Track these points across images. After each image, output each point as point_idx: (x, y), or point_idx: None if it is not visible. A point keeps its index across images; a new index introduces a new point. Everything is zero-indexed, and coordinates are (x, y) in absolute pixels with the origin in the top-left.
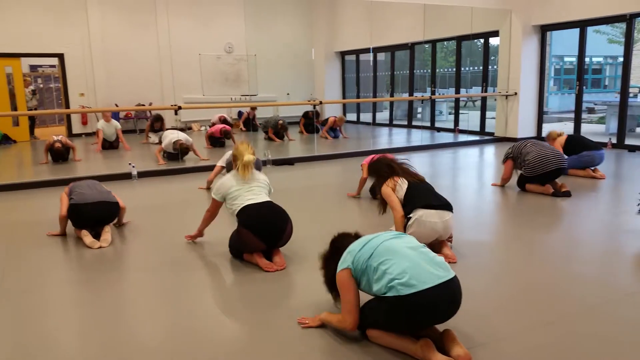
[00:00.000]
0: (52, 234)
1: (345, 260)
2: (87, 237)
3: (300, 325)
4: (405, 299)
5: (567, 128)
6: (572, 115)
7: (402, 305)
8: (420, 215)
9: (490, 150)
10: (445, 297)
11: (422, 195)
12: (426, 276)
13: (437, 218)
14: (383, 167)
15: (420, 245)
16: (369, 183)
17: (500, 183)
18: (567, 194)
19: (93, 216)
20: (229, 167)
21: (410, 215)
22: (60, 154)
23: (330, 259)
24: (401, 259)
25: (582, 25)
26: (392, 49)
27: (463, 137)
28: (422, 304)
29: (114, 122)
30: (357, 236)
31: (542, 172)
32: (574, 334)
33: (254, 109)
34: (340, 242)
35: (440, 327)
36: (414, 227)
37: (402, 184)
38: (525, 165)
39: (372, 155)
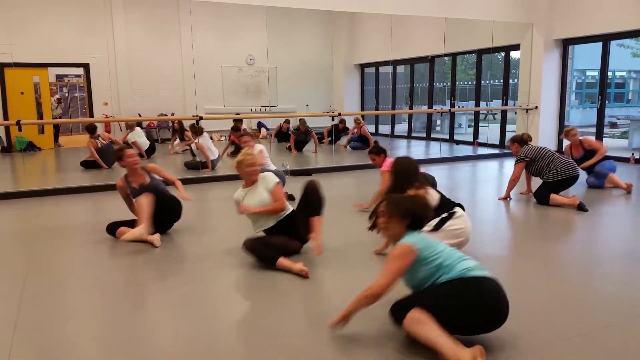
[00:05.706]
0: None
1: (417, 242)
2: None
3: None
4: (480, 281)
5: None
6: (594, 130)
7: (476, 286)
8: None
9: (509, 164)
10: (501, 292)
11: (448, 206)
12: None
13: (463, 224)
14: (411, 171)
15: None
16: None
17: (508, 186)
18: (584, 208)
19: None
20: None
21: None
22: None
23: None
24: (466, 260)
25: (605, 39)
26: (411, 62)
27: (482, 150)
28: (491, 291)
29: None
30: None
31: (568, 177)
32: (593, 350)
33: (287, 121)
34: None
35: (468, 343)
36: (444, 238)
37: (434, 195)
38: (556, 168)
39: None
